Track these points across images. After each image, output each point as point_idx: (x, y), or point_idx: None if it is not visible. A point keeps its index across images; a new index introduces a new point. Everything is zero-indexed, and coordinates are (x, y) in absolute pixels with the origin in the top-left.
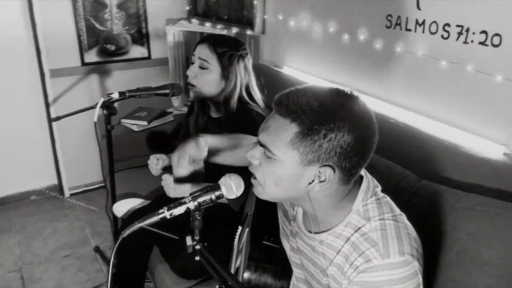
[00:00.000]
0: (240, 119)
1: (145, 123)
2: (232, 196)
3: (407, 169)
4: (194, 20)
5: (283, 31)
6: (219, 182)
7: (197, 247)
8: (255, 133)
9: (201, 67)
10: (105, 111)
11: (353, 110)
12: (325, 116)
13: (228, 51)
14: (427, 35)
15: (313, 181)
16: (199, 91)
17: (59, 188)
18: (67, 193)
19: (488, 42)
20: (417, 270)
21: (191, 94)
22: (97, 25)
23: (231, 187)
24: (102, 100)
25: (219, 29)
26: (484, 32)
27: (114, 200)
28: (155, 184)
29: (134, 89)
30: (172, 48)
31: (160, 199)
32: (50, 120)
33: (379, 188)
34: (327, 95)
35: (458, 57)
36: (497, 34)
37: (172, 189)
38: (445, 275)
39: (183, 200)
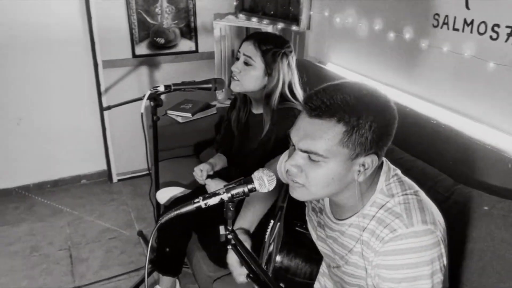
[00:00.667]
0: (280, 117)
1: (189, 115)
2: (264, 190)
3: (446, 172)
4: (241, 15)
5: (328, 28)
6: (252, 176)
7: (229, 236)
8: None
9: (246, 63)
10: (151, 103)
11: (380, 97)
12: (365, 108)
13: (272, 48)
14: (475, 35)
15: (359, 171)
16: (242, 86)
17: (108, 173)
18: (115, 178)
19: None
20: (440, 239)
21: (233, 87)
22: (148, 19)
23: (263, 181)
24: (149, 92)
25: (265, 24)
26: None
27: (157, 188)
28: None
29: (179, 82)
30: (219, 42)
31: (202, 189)
32: (102, 109)
33: (398, 170)
34: (355, 88)
35: (508, 59)
36: None
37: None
38: (477, 282)
39: (217, 191)
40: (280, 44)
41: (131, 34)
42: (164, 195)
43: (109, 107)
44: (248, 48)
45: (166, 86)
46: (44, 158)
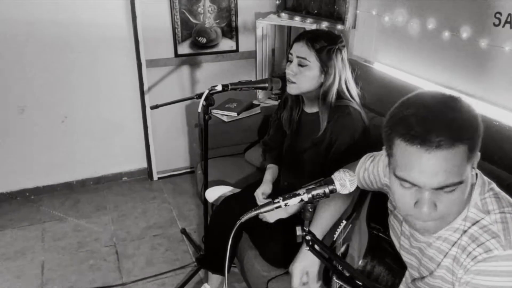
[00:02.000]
0: (338, 115)
1: (234, 114)
2: (345, 191)
3: None
4: (283, 14)
5: (376, 27)
6: (333, 176)
7: (307, 237)
8: (355, 129)
9: (300, 65)
10: (204, 102)
11: (469, 105)
12: (474, 124)
13: (326, 46)
14: None
15: (476, 173)
16: (299, 88)
17: (148, 171)
18: (155, 176)
19: None
20: None
21: (290, 90)
22: (191, 18)
23: (345, 182)
24: (207, 91)
25: (308, 24)
26: None
27: (206, 186)
28: (242, 173)
29: (236, 82)
30: (260, 41)
31: (253, 187)
32: (145, 108)
33: (494, 184)
34: (455, 108)
35: None
36: None
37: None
38: None
39: (297, 192)
40: (333, 40)
41: (174, 34)
42: (214, 194)
43: (156, 106)
44: (302, 49)
45: (224, 86)
46: (87, 156)
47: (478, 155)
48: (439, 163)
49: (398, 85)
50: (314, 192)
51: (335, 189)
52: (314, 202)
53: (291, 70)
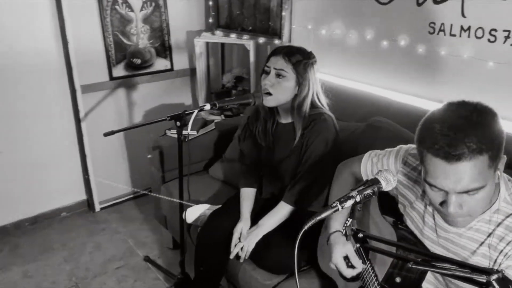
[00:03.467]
0: (314, 122)
1: (194, 132)
2: (389, 187)
3: None
4: (218, 32)
5: (312, 40)
6: (377, 176)
7: (360, 235)
8: (329, 134)
9: (278, 76)
10: (178, 123)
11: (494, 115)
12: (494, 136)
13: (302, 60)
14: (473, 39)
15: (498, 176)
16: (277, 99)
17: (89, 203)
18: (97, 207)
19: None
20: None
21: (267, 102)
22: (124, 40)
23: (389, 180)
24: (196, 111)
25: (245, 40)
26: None
27: (182, 207)
28: (211, 189)
29: (222, 100)
30: (199, 59)
31: (234, 201)
32: (82, 136)
33: None
34: (474, 122)
35: (506, 58)
36: None
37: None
38: None
39: (350, 194)
40: (307, 55)
41: (108, 56)
42: (193, 214)
43: (112, 132)
44: (279, 62)
45: (212, 105)
46: (19, 194)
47: (503, 158)
48: (461, 172)
49: (340, 90)
50: (365, 192)
51: (381, 187)
52: (362, 202)
53: (268, 81)
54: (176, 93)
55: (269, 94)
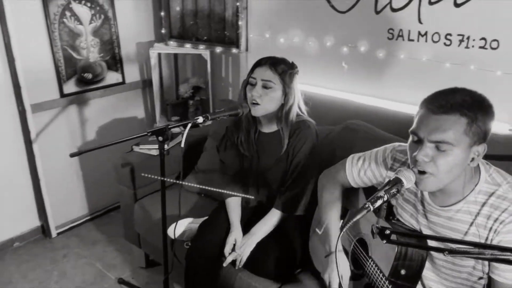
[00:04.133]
0: (300, 129)
1: (165, 145)
2: (410, 184)
3: None
4: (171, 42)
5: (270, 48)
6: (398, 176)
7: (387, 232)
8: (311, 140)
9: (265, 87)
10: (160, 138)
11: (485, 98)
12: (481, 106)
13: (287, 70)
14: (430, 43)
15: (473, 159)
16: (265, 109)
17: (44, 229)
18: (53, 233)
19: (487, 46)
20: None
21: (256, 112)
22: (74, 54)
23: (410, 178)
24: (189, 125)
25: (202, 49)
26: (483, 38)
27: (164, 223)
28: (187, 202)
29: (212, 112)
30: (155, 70)
31: (219, 212)
32: (34, 159)
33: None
34: (467, 90)
35: (461, 59)
36: (495, 40)
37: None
38: None
39: (378, 195)
40: (291, 66)
41: (58, 73)
42: (178, 229)
43: (80, 152)
44: (266, 73)
45: (204, 117)
46: None
47: (484, 145)
48: (439, 122)
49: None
50: (391, 191)
51: (404, 185)
52: (389, 199)
53: (256, 92)
54: (129, 106)
55: (257, 104)
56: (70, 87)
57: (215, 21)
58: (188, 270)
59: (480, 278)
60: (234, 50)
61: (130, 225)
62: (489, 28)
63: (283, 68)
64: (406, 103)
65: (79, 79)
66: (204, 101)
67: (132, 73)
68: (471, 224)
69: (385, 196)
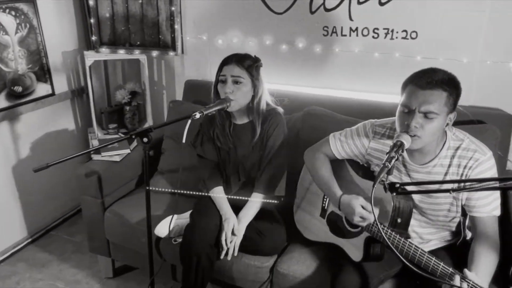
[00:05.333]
0: (271, 117)
1: (127, 150)
2: (408, 145)
3: None
4: (103, 49)
5: (209, 49)
6: (399, 139)
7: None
8: (284, 125)
9: (236, 82)
10: (144, 139)
11: (455, 77)
12: (454, 83)
13: (252, 64)
14: (361, 37)
15: (447, 124)
16: (238, 103)
17: None
18: None
19: (408, 37)
20: None
21: (233, 108)
22: (2, 67)
23: (408, 139)
24: (189, 122)
25: (138, 54)
26: (405, 31)
27: (149, 224)
28: (160, 203)
29: (205, 107)
30: (89, 78)
31: (204, 202)
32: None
33: None
34: (444, 71)
35: (388, 49)
36: (414, 31)
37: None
38: None
39: (391, 156)
40: (254, 59)
41: None
42: (164, 229)
43: (47, 166)
44: (235, 70)
45: (200, 112)
46: None
47: (455, 113)
48: (427, 96)
49: None
50: (400, 152)
51: (405, 145)
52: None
53: (228, 89)
54: (59, 119)
55: (232, 100)
56: (0, 102)
57: (148, 25)
58: (184, 260)
59: (453, 218)
60: (171, 53)
61: (97, 236)
62: (409, 22)
63: (248, 63)
64: (344, 89)
65: (10, 93)
66: (140, 106)
67: (61, 84)
68: (446, 174)
69: (396, 156)
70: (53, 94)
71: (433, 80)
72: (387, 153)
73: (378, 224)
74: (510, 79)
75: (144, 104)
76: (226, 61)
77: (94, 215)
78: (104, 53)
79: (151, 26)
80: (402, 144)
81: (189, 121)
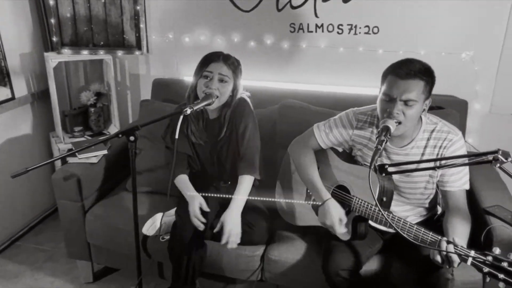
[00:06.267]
0: (238, 105)
1: (104, 151)
2: (393, 129)
3: None
4: (65, 50)
5: (176, 47)
6: (386, 124)
7: (386, 166)
8: (251, 111)
9: (221, 81)
10: (131, 138)
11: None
12: (430, 72)
13: (237, 65)
14: (326, 33)
15: (424, 109)
16: (220, 101)
17: None
18: None
19: (370, 32)
20: None
21: (214, 106)
22: None
23: (393, 124)
24: (181, 117)
25: (103, 55)
26: (367, 26)
27: (136, 223)
28: (144, 203)
29: (196, 102)
30: (51, 80)
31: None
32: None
33: None
34: (420, 61)
35: (351, 43)
36: (376, 26)
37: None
38: None
39: (381, 139)
40: (237, 61)
41: None
42: (151, 227)
43: (26, 170)
44: (222, 68)
45: (190, 108)
46: None
47: (430, 99)
48: (406, 85)
49: None
50: (388, 135)
51: (391, 128)
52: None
53: (213, 85)
54: (20, 123)
55: (217, 97)
56: None
57: (112, 25)
58: (173, 257)
59: (429, 195)
60: (137, 53)
61: (77, 240)
62: (371, 18)
63: (234, 64)
64: (313, 83)
65: None
66: (105, 107)
67: (20, 87)
68: (422, 154)
69: (385, 139)
70: (13, 98)
71: (412, 71)
72: (376, 138)
73: (379, 206)
74: (462, 68)
75: (109, 105)
76: (213, 58)
77: (74, 219)
78: (67, 54)
79: (115, 25)
80: (389, 129)
81: (181, 116)
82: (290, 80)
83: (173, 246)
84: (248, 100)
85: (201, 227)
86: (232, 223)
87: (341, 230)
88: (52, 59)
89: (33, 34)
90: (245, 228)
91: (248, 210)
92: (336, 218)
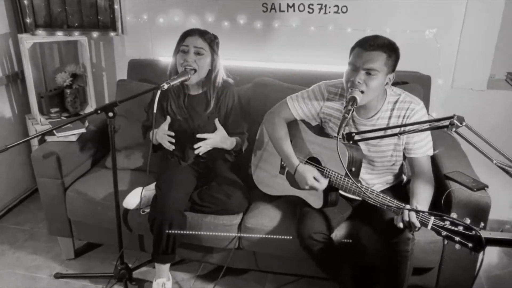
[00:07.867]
0: (227, 90)
1: (83, 129)
2: (359, 99)
3: None
4: (40, 32)
5: (150, 28)
6: (353, 95)
7: (353, 134)
8: (237, 96)
9: (198, 54)
10: (110, 114)
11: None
12: (395, 46)
13: (213, 39)
14: (297, 12)
15: (387, 83)
16: (199, 75)
17: None
18: None
19: (339, 11)
20: None
21: (193, 80)
22: None
23: (359, 94)
24: (159, 92)
25: (78, 36)
26: (336, 5)
27: (117, 198)
28: (124, 179)
29: (172, 78)
30: (26, 62)
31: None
32: None
33: None
34: (385, 37)
35: (322, 22)
36: (344, 6)
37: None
38: None
39: (348, 108)
40: (215, 36)
41: None
42: (133, 200)
43: (6, 148)
44: (198, 42)
45: (167, 83)
46: None
47: (393, 74)
48: (370, 56)
49: None
50: (355, 105)
51: (358, 99)
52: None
53: (190, 58)
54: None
55: (195, 70)
56: None
57: (86, 6)
58: (154, 229)
59: (395, 162)
60: (112, 34)
61: (58, 217)
62: None
63: (210, 38)
64: (285, 62)
65: None
66: (81, 88)
67: None
68: (387, 124)
69: (352, 108)
70: None
71: (375, 44)
72: (344, 107)
73: (350, 176)
74: (425, 45)
75: (85, 86)
76: (189, 33)
77: (54, 196)
78: (42, 36)
79: (89, 7)
80: (355, 99)
81: (159, 91)
82: (264, 59)
83: (154, 218)
84: (234, 85)
85: (171, 147)
86: (211, 141)
87: (322, 185)
88: (27, 41)
89: (6, 16)
90: (222, 197)
91: (226, 181)
92: (310, 176)
